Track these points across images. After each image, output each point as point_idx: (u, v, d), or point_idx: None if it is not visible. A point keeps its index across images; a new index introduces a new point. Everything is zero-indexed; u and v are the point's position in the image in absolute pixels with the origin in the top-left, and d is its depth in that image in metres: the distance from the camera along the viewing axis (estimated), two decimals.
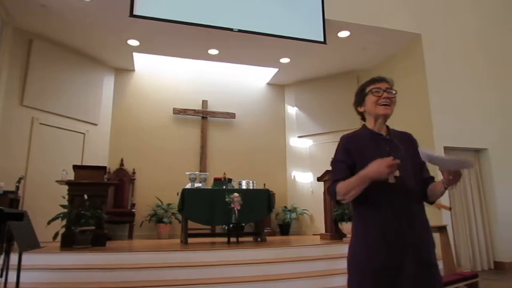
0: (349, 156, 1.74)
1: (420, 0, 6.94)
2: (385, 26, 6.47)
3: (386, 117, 1.78)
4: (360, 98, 1.85)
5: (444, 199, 5.98)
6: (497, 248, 6.45)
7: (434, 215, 5.92)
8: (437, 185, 1.73)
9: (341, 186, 1.64)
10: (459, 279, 4.52)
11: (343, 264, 5.18)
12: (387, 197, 1.64)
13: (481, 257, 6.35)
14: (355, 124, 8.80)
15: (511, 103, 7.08)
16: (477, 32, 7.23)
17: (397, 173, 1.64)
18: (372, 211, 1.67)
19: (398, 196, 1.65)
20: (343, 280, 4.49)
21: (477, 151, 6.83)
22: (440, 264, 4.94)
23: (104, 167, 5.86)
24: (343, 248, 5.15)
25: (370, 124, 1.83)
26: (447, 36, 6.92)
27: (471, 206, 6.54)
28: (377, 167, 1.52)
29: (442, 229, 4.92)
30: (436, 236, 4.99)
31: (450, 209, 5.99)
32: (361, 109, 1.85)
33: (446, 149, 6.34)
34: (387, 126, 1.85)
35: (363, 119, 1.90)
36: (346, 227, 5.71)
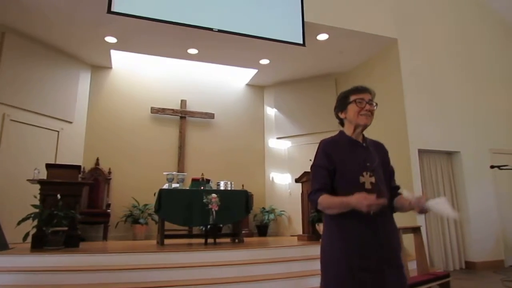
0: (330, 161, 1.80)
1: (397, 5, 7.09)
2: (363, 30, 6.57)
3: (365, 127, 1.87)
4: (342, 105, 1.92)
5: None
6: (468, 249, 6.65)
7: (409, 216, 6.02)
8: (404, 203, 1.84)
9: (324, 201, 1.73)
10: (431, 279, 4.63)
11: (319, 265, 5.21)
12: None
13: (453, 257, 6.53)
14: (333, 126, 8.87)
15: (482, 107, 7.32)
16: (450, 38, 7.44)
17: (372, 179, 1.78)
18: (349, 215, 1.71)
19: None
20: (319, 281, 4.53)
21: (450, 154, 7.02)
22: (414, 264, 5.07)
23: (79, 166, 5.72)
24: (320, 249, 5.19)
25: (348, 131, 1.92)
26: (422, 42, 7.10)
27: None
28: (359, 202, 1.58)
29: (416, 230, 5.03)
30: (410, 236, 5.11)
31: None
32: (342, 115, 1.93)
33: (420, 151, 6.49)
34: (363, 134, 1.93)
35: (342, 124, 1.97)
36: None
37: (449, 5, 7.64)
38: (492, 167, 5.00)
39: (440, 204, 1.69)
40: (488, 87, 7.54)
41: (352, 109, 1.86)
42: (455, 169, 6.99)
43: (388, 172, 1.93)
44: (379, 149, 1.96)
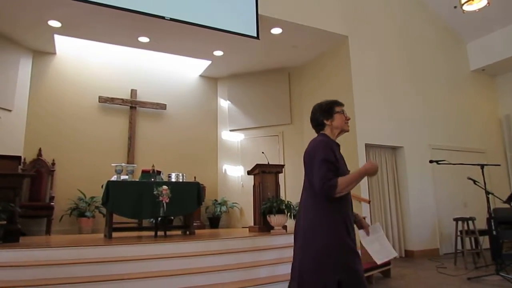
0: (336, 158, 2.12)
1: (348, 3, 7.30)
2: (315, 26, 6.72)
3: (346, 132, 2.34)
4: (329, 114, 2.29)
5: (364, 193, 6.41)
6: (408, 238, 7.07)
7: (355, 207, 6.31)
8: None
9: (343, 181, 2.02)
10: (374, 267, 4.89)
11: (269, 256, 5.30)
12: (349, 194, 2.17)
13: (394, 246, 6.91)
14: (284, 119, 8.98)
15: (423, 105, 7.78)
16: (398, 39, 7.81)
17: None
18: (346, 204, 2.14)
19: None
20: (269, 271, 4.63)
21: (394, 148, 7.40)
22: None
23: (18, 157, 5.38)
24: (270, 240, 5.29)
25: (331, 134, 2.29)
26: (371, 40, 7.38)
27: (387, 199, 7.08)
28: (374, 167, 2.05)
29: None
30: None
31: (369, 202, 6.44)
32: (327, 122, 2.29)
33: (367, 146, 6.78)
34: None
35: (320, 128, 2.32)
36: (274, 219, 5.87)
37: (398, 7, 7.99)
38: (431, 161, 5.32)
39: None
40: (430, 86, 8.02)
41: (339, 118, 2.28)
42: (398, 163, 7.38)
43: None
44: None
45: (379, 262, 2.28)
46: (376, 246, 2.32)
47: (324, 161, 2.06)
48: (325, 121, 2.29)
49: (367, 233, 2.34)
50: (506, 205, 5.86)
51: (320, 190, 2.03)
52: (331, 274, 1.96)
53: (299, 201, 2.32)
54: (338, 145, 2.27)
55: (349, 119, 2.34)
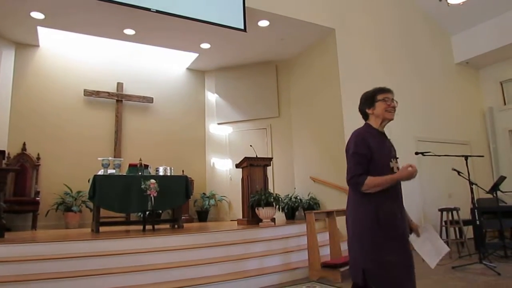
0: (369, 150, 2.09)
1: None
2: (302, 18, 6.71)
3: (390, 120, 2.25)
4: (370, 102, 2.26)
5: None
6: None
7: (343, 199, 6.37)
8: None
9: (371, 182, 2.01)
10: None
11: (258, 248, 5.32)
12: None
13: None
14: (272, 112, 8.95)
15: (409, 98, 7.85)
16: (383, 32, 7.84)
17: (397, 165, 2.16)
18: (380, 195, 2.04)
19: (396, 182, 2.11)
20: (257, 263, 4.66)
21: None
22: (345, 245, 5.35)
23: (2, 152, 5.29)
24: (258, 233, 5.32)
25: (375, 124, 2.24)
26: (357, 33, 7.40)
27: None
28: (410, 174, 1.99)
29: None
30: (343, 219, 5.36)
31: None
32: (369, 111, 2.27)
33: None
34: None
35: (365, 118, 2.32)
36: (262, 212, 5.90)
37: (383, 1, 8.01)
38: (416, 153, 5.39)
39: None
40: (416, 78, 8.08)
41: (380, 106, 2.21)
42: None
43: None
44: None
45: (432, 266, 2.16)
46: (427, 247, 2.19)
47: (354, 155, 2.08)
48: (367, 110, 2.28)
49: (418, 235, 2.20)
50: (489, 195, 5.99)
51: (348, 183, 2.09)
52: (358, 263, 2.03)
53: None
54: (381, 134, 2.22)
55: (393, 106, 2.23)
